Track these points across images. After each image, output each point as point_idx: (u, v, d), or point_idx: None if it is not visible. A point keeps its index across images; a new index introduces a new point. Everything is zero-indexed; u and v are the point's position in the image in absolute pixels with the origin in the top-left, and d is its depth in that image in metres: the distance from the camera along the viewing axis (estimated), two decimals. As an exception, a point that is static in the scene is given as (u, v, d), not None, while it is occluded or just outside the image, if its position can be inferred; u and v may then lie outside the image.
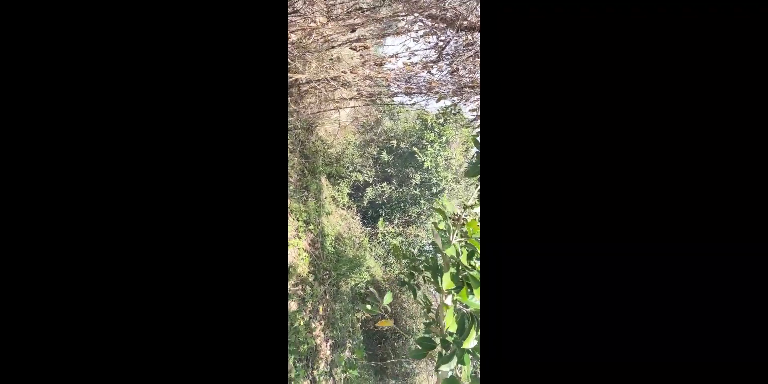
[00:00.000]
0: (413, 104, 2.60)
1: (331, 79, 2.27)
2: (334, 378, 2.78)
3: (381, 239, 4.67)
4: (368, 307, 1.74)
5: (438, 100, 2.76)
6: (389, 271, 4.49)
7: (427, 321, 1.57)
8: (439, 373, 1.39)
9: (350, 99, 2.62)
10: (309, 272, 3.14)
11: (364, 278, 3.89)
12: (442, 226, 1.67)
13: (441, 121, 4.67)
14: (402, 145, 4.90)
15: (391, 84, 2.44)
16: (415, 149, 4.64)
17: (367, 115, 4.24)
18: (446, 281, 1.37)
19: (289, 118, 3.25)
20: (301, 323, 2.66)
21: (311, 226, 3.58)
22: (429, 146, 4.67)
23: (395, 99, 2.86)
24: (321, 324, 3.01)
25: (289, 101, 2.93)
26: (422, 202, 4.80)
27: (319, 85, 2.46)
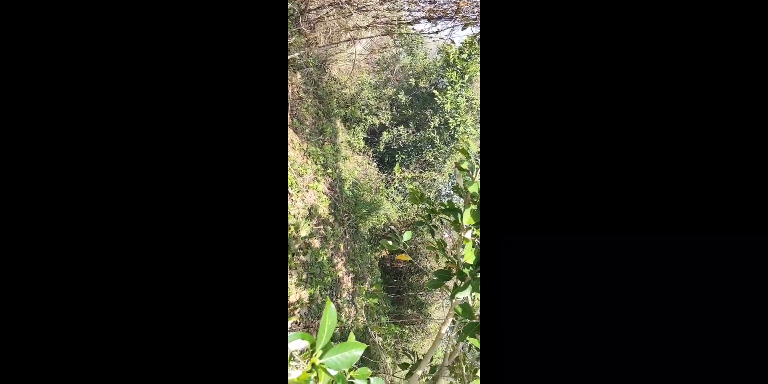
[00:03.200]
0: (436, 32, 2.32)
1: (345, 2, 2.01)
2: (355, 305, 3.09)
3: (397, 183, 4.70)
4: (389, 243, 1.82)
5: (464, 28, 2.46)
6: (405, 215, 4.61)
7: (445, 260, 1.64)
8: (453, 301, 1.49)
9: (366, 27, 2.36)
10: (329, 214, 3.26)
11: (382, 221, 4.03)
12: (465, 165, 1.63)
13: (464, 56, 4.25)
14: (421, 84, 4.58)
15: (412, 7, 2.15)
16: (435, 92, 4.34)
17: (384, 47, 3.89)
18: (467, 216, 1.38)
19: (300, 53, 3.03)
20: (325, 258, 2.86)
21: (329, 170, 3.60)
22: (450, 87, 4.35)
23: (416, 27, 2.57)
24: (342, 260, 3.23)
25: (302, 33, 2.69)
26: (440, 144, 4.66)
27: (331, 10, 2.20)
